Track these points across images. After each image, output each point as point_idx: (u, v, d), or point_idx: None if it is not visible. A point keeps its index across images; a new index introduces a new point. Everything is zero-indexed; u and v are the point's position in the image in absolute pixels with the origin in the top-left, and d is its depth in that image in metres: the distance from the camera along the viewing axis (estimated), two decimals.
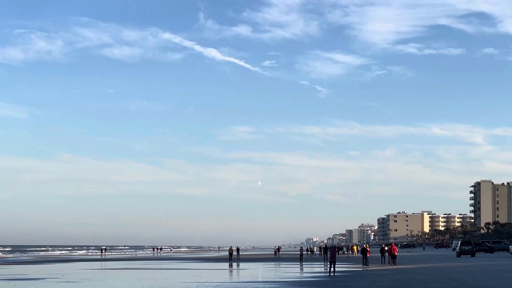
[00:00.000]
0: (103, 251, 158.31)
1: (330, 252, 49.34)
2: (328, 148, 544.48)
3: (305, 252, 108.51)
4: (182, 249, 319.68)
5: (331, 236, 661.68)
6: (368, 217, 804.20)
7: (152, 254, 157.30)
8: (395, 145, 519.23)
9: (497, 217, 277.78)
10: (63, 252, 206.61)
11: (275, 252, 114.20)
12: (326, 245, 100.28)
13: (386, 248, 68.97)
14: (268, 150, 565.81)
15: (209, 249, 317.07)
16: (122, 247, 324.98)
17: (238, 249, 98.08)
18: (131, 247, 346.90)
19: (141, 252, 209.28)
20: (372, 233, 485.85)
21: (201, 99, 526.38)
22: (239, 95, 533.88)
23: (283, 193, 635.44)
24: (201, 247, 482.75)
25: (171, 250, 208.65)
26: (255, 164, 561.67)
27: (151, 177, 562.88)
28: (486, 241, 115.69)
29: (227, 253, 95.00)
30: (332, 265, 48.52)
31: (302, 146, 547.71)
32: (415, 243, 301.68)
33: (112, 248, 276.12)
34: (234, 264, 78.20)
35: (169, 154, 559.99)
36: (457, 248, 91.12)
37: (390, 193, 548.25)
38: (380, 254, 70.90)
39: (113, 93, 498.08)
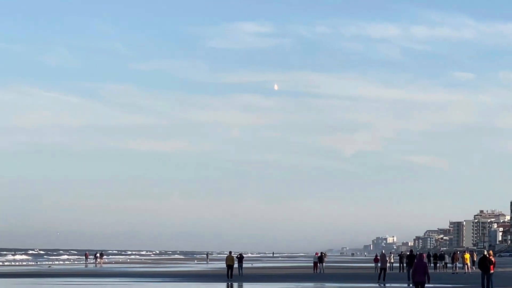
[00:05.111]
0: None
1: (417, 264, 29.15)
2: (414, 65, 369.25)
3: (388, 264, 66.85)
4: (133, 255, 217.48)
5: (422, 235, 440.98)
6: (491, 198, 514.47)
7: (84, 266, 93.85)
8: None
9: None
10: None
11: (316, 264, 71.76)
12: (411, 250, 66.10)
13: None
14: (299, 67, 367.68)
15: (188, 257, 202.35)
16: (25, 251, 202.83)
17: (241, 258, 63.26)
18: (45, 251, 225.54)
19: (61, 260, 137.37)
20: (500, 229, 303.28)
21: None
22: None
23: (331, 150, 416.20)
24: (171, 252, 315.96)
25: (102, 257, 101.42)
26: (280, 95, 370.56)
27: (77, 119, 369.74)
28: None
29: (223, 266, 61.60)
30: None
31: (367, 62, 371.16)
32: None
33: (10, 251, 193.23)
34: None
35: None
36: None
37: None
38: None
39: None
